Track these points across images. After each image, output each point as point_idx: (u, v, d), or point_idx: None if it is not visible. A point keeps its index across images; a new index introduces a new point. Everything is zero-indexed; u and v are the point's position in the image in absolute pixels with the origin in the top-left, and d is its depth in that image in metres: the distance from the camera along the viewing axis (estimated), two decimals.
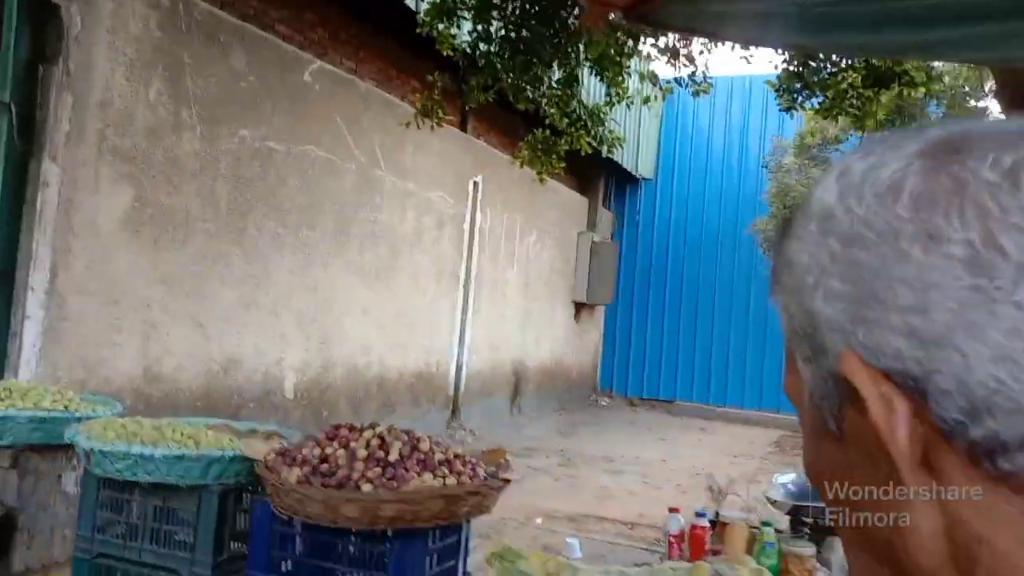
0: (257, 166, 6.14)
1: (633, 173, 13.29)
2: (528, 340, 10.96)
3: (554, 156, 5.91)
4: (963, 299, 0.39)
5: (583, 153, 6.28)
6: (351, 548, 2.45)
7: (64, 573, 3.04)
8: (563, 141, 6.01)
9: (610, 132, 6.32)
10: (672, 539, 2.42)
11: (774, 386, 12.69)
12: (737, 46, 5.11)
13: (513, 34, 5.03)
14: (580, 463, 8.40)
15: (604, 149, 6.06)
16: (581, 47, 5.15)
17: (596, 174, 12.92)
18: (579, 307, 12.70)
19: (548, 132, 5.93)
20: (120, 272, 5.10)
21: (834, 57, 4.69)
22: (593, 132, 6.04)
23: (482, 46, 5.15)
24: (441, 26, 5.05)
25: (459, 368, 9.20)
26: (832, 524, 0.49)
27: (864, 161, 0.45)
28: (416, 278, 8.29)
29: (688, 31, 2.07)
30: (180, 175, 5.49)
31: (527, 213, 10.55)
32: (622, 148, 12.23)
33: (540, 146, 5.91)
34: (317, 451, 2.44)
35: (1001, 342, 0.38)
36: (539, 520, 6.21)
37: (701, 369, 13.48)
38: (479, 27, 5.11)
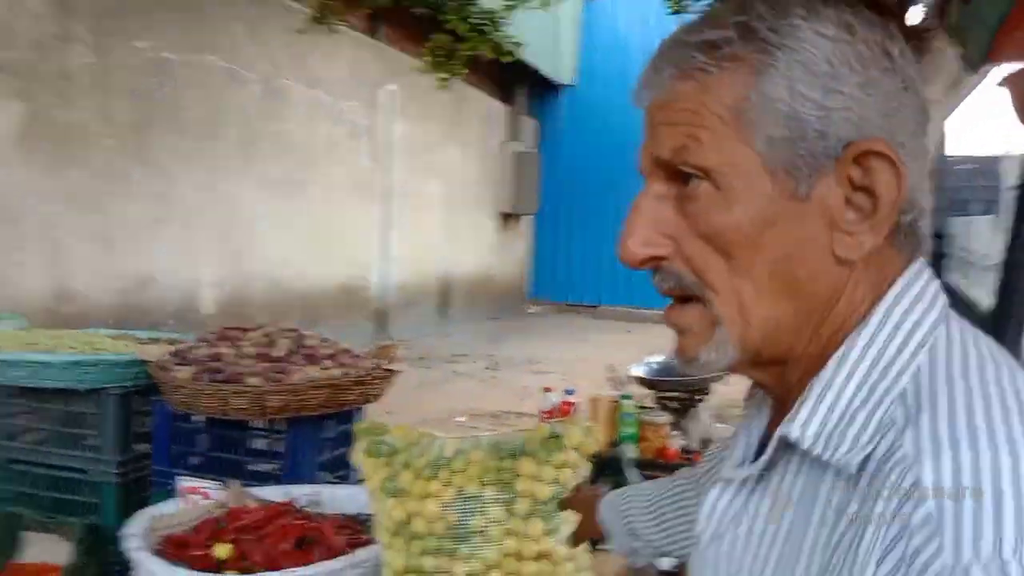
0: (154, 79, 5.99)
1: (553, 80, 13.25)
2: (454, 251, 11.07)
3: (456, 62, 5.90)
4: (920, 120, 0.66)
5: (487, 58, 6.28)
6: (249, 440, 2.58)
7: None
8: (465, 46, 5.99)
9: (510, 37, 6.30)
10: (543, 414, 2.63)
11: None
12: None
13: None
14: (505, 367, 8.67)
15: (505, 55, 6.08)
16: None
17: (517, 82, 12.85)
18: (505, 217, 12.81)
19: (451, 38, 5.90)
20: (17, 190, 5.01)
21: None
22: (491, 38, 6.02)
23: None
24: None
25: (384, 280, 9.29)
26: (745, 278, 0.65)
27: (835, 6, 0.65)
28: (331, 191, 8.27)
29: None
30: (73, 90, 5.35)
31: (446, 123, 10.51)
32: (534, 54, 12.20)
33: (442, 52, 5.89)
34: (208, 351, 2.54)
35: (924, 157, 0.66)
36: (461, 418, 6.45)
37: (625, 273, 13.79)
38: None
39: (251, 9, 6.96)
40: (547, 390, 2.77)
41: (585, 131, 13.82)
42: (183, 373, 2.45)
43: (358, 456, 1.94)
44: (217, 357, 2.51)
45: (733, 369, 0.69)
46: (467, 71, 6.06)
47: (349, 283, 8.64)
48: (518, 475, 1.81)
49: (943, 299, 0.65)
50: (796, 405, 0.64)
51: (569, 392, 2.72)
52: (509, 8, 6.03)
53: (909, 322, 0.63)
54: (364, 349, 2.70)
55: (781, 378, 0.69)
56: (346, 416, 2.71)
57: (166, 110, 6.13)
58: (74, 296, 5.46)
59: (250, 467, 2.56)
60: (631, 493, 1.30)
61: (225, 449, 2.58)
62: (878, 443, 0.58)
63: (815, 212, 0.63)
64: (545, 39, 12.69)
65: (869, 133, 0.62)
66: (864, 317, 0.64)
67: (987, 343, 0.63)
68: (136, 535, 1.69)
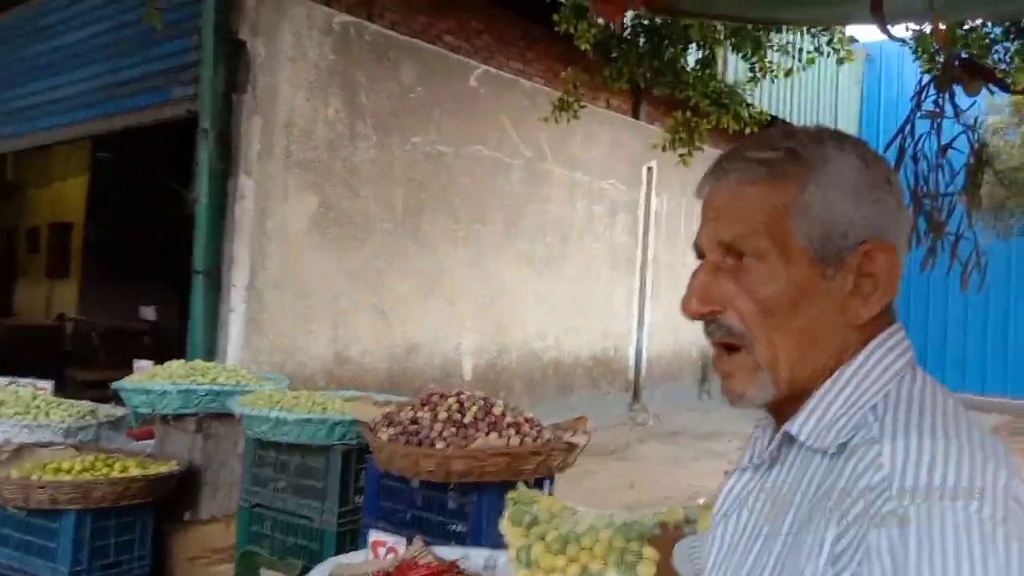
0: (429, 169, 6.70)
1: None
2: None
3: (696, 137, 5.94)
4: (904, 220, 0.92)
5: (731, 131, 6.24)
6: (446, 501, 2.79)
7: None
8: (705, 121, 6.02)
9: (752, 107, 6.22)
10: None
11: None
12: None
13: (646, 21, 5.16)
14: None
15: (750, 125, 6.00)
16: (718, 26, 5.17)
17: None
18: None
19: (689, 113, 5.97)
20: (309, 269, 5.82)
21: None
22: (733, 110, 6.00)
23: (616, 37, 5.31)
24: (578, 24, 5.29)
25: (639, 352, 9.36)
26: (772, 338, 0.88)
27: (857, 145, 0.91)
28: (588, 265, 8.56)
29: (705, 16, 2.16)
30: (359, 181, 6.15)
31: None
32: (813, 120, 11.75)
33: (682, 128, 5.97)
34: (411, 414, 2.81)
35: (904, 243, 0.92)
36: (702, 499, 6.26)
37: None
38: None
39: (519, 100, 7.56)
40: None
41: None
42: (384, 435, 2.74)
43: (504, 523, 2.07)
44: (416, 421, 2.76)
45: (769, 405, 0.92)
46: (707, 144, 6.08)
47: (603, 355, 8.82)
48: (642, 557, 1.82)
49: (911, 353, 0.89)
50: (798, 412, 0.87)
51: None
52: (753, 81, 5.99)
53: (885, 362, 0.87)
54: (546, 423, 2.82)
55: (795, 407, 0.89)
56: (537, 484, 2.84)
57: (438, 196, 6.81)
58: (352, 361, 6.17)
59: (448, 527, 2.77)
60: (703, 540, 1.33)
61: (424, 508, 2.82)
62: (852, 436, 0.82)
63: (835, 289, 0.87)
64: (825, 104, 12.25)
65: (878, 235, 0.87)
66: (854, 356, 0.87)
67: (939, 385, 0.87)
68: None
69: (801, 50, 5.89)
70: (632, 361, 9.27)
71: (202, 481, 3.72)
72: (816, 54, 5.76)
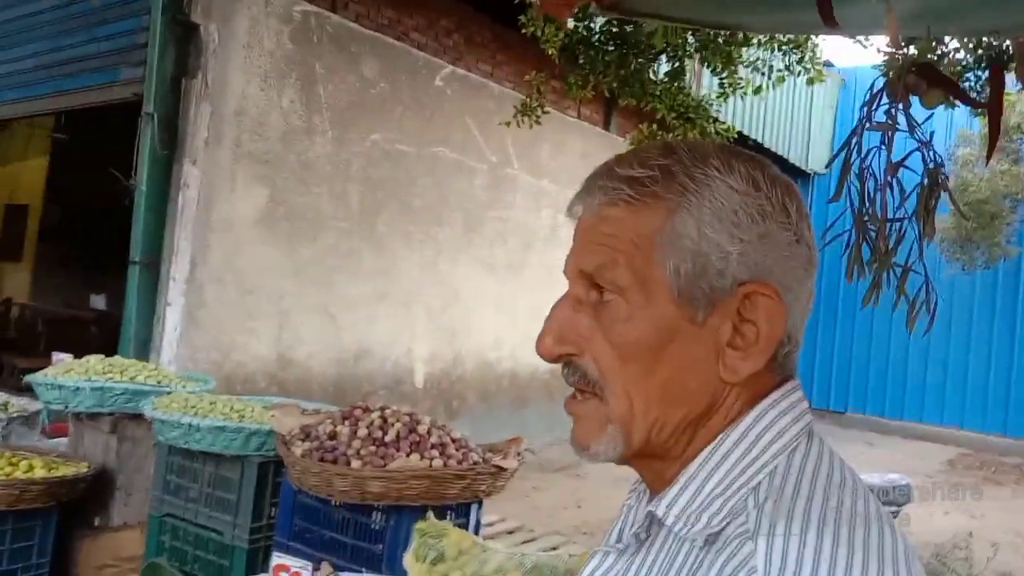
0: (388, 167, 6.50)
1: (803, 168, 12.66)
2: None
3: None
4: (804, 267, 0.76)
5: None
6: (371, 524, 2.59)
7: None
8: (671, 135, 5.90)
9: (719, 124, 6.11)
10: None
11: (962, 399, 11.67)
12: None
13: (615, 29, 5.01)
14: None
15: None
16: (689, 38, 5.05)
17: None
18: None
19: (655, 127, 5.85)
20: (254, 265, 5.59)
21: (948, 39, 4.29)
22: (700, 125, 5.88)
23: (583, 42, 5.17)
24: (545, 27, 5.13)
25: None
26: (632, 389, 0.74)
27: (746, 161, 0.77)
28: (551, 275, 8.38)
29: (657, 18, 2.02)
30: (312, 176, 5.93)
31: None
32: (784, 141, 11.72)
33: (647, 141, 5.84)
34: (329, 428, 2.61)
35: (805, 299, 0.78)
36: None
37: (878, 376, 12.60)
38: (581, 24, 5.14)
39: (486, 104, 7.39)
40: None
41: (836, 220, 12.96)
42: (298, 449, 2.53)
43: (407, 558, 1.88)
44: (334, 436, 2.56)
45: (619, 460, 0.78)
46: None
47: (560, 368, 8.64)
48: None
49: (809, 416, 0.76)
50: (668, 487, 0.75)
51: None
52: (722, 96, 5.88)
53: (774, 429, 0.73)
54: (474, 443, 2.64)
55: (659, 471, 0.78)
56: (463, 510, 2.65)
57: (396, 196, 6.60)
58: (296, 364, 5.94)
59: (365, 551, 2.57)
60: None
61: (341, 529, 2.62)
62: (727, 524, 0.69)
63: (707, 337, 0.73)
64: (798, 126, 12.21)
65: (760, 276, 0.73)
66: (735, 420, 0.74)
67: (839, 460, 0.74)
68: None
69: (772, 67, 5.79)
70: None
71: (115, 485, 3.48)
72: (787, 72, 5.66)
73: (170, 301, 5.12)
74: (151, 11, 5.13)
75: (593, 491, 6.70)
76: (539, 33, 5.21)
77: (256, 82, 5.50)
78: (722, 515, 0.70)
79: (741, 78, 5.82)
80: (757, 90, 5.79)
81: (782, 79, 5.76)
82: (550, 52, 5.26)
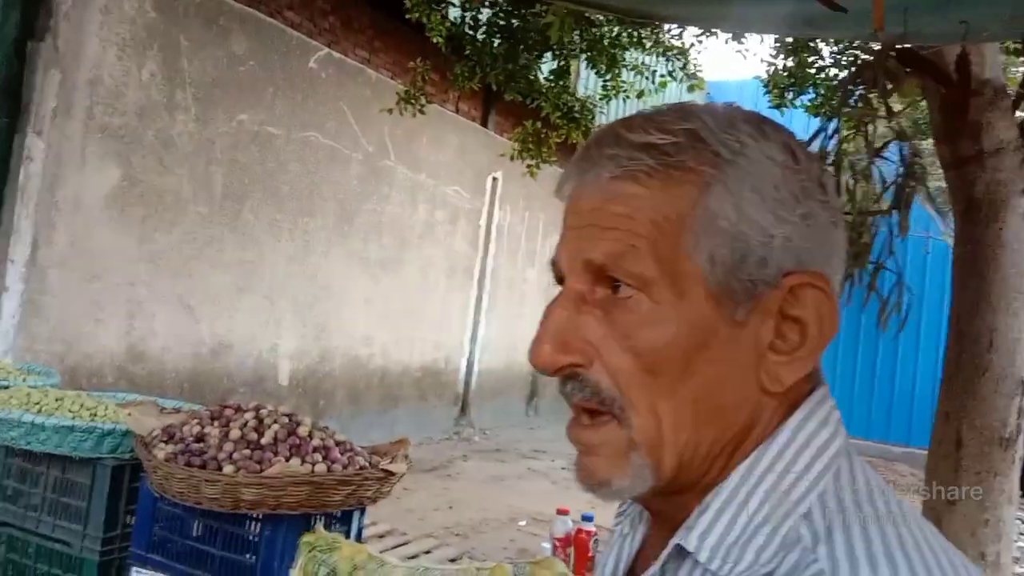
0: (255, 151, 6.14)
1: None
2: None
3: (544, 149, 5.77)
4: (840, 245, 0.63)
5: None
6: (236, 533, 2.36)
7: None
8: (555, 134, 5.88)
9: (602, 126, 6.14)
10: (557, 542, 2.27)
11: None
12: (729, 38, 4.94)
13: (502, 22, 4.92)
14: None
15: None
16: (576, 37, 5.01)
17: None
18: None
19: (539, 124, 5.81)
20: (104, 249, 5.13)
21: (824, 50, 4.48)
22: (584, 126, 5.89)
23: (470, 33, 5.05)
24: (430, 15, 4.96)
25: (470, 366, 9.11)
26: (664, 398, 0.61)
27: (777, 131, 0.65)
28: (426, 272, 8.23)
29: (634, 14, 1.94)
30: (172, 156, 5.52)
31: (551, 212, 10.41)
32: None
33: (531, 138, 5.79)
34: (196, 429, 2.36)
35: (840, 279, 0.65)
36: (523, 522, 6.07)
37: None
38: (468, 14, 5.01)
39: (362, 91, 7.13)
40: (562, 512, 2.41)
41: None
42: (160, 453, 2.27)
43: (294, 572, 1.69)
44: (201, 438, 2.32)
45: (645, 497, 0.65)
46: (556, 159, 5.94)
47: (433, 366, 8.50)
48: None
49: (843, 428, 0.65)
50: (695, 514, 0.62)
51: (587, 518, 2.35)
52: (605, 96, 5.91)
53: (815, 445, 0.62)
54: (358, 445, 2.46)
55: (681, 502, 0.64)
56: (345, 517, 2.46)
57: (264, 182, 6.25)
58: (149, 357, 5.51)
59: (234, 564, 2.34)
60: None
61: (207, 540, 2.37)
62: (781, 560, 0.57)
63: (747, 339, 0.61)
64: None
65: (808, 264, 0.61)
66: (773, 434, 0.62)
67: (873, 472, 0.63)
68: None
69: (655, 72, 5.85)
70: (463, 374, 9.00)
71: None
72: (669, 79, 5.74)
73: (7, 286, 4.61)
74: None
75: (464, 492, 6.59)
76: (424, 20, 5.04)
77: (113, 50, 5.04)
78: (772, 549, 0.58)
79: (624, 81, 5.86)
80: (640, 94, 5.84)
81: (665, 84, 5.83)
82: (436, 40, 5.09)
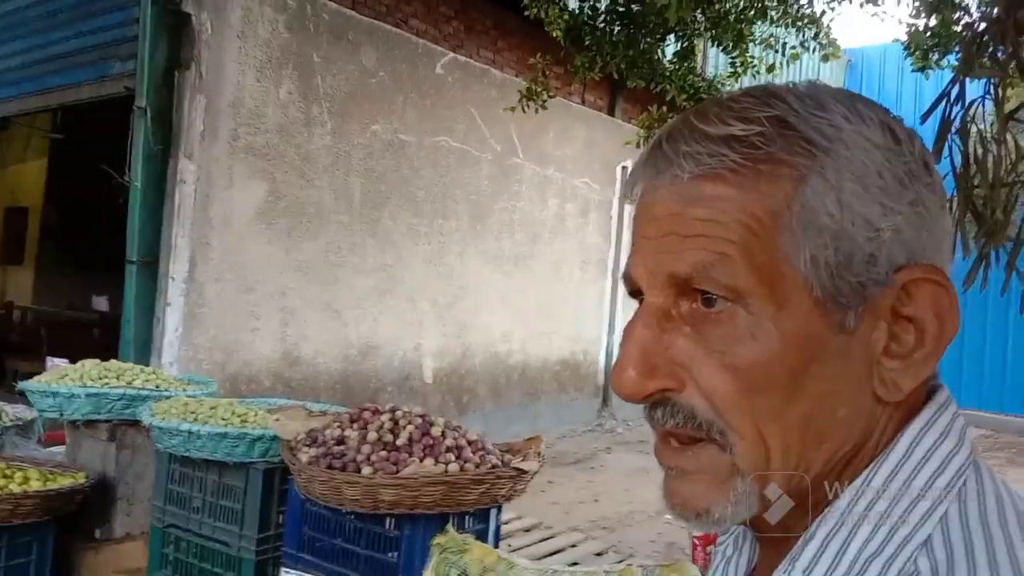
0: (389, 159, 6.33)
1: None
2: None
3: None
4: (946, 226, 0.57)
5: None
6: (384, 532, 2.43)
7: None
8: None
9: None
10: (697, 541, 2.20)
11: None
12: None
13: (621, 8, 4.82)
14: None
15: None
16: (699, 16, 4.85)
17: None
18: None
19: (664, 109, 5.67)
20: (255, 262, 5.43)
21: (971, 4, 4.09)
22: None
23: (589, 23, 4.99)
24: (548, 9, 4.94)
25: (609, 357, 9.04)
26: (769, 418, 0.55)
27: (879, 111, 0.58)
28: (559, 266, 8.23)
29: None
30: (313, 169, 5.77)
31: None
32: None
33: (656, 123, 5.66)
34: (337, 432, 2.45)
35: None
36: (669, 516, 5.96)
37: (950, 367, 12.25)
38: (586, 4, 4.95)
39: (488, 91, 7.21)
40: None
41: None
42: (304, 456, 2.38)
43: (427, 573, 1.72)
44: (342, 440, 2.41)
45: (748, 523, 0.60)
46: None
47: (572, 359, 8.49)
48: None
49: (970, 438, 0.57)
50: (800, 543, 0.56)
51: None
52: (733, 76, 5.68)
53: (936, 459, 0.55)
54: (493, 443, 2.48)
55: (786, 524, 0.58)
56: (482, 515, 2.49)
57: (399, 188, 6.44)
58: (303, 361, 5.79)
59: (378, 562, 2.41)
60: None
61: (353, 539, 2.46)
62: None
63: (858, 347, 0.55)
64: None
65: (919, 257, 0.55)
66: (886, 448, 0.56)
67: (1007, 488, 0.56)
68: None
69: (785, 44, 5.57)
70: (603, 366, 8.95)
71: (116, 495, 3.33)
72: (801, 49, 5.44)
73: (169, 301, 4.97)
74: (141, 2, 4.95)
75: (609, 484, 6.55)
76: (543, 15, 5.03)
77: (251, 73, 5.32)
78: None
79: (753, 56, 5.62)
80: (770, 68, 5.58)
81: (796, 55, 5.54)
82: (555, 34, 5.07)
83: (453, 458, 2.29)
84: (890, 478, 0.54)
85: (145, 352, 4.99)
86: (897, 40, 4.93)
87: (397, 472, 2.22)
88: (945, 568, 0.50)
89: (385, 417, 2.45)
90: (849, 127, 0.54)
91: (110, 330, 8.57)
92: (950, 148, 1.53)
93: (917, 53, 4.80)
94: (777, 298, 0.54)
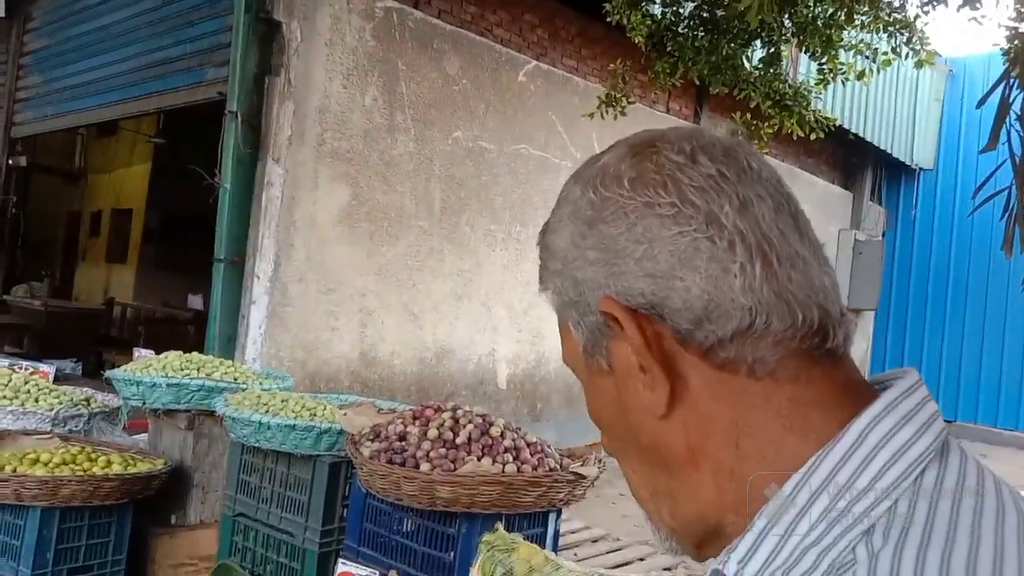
0: (470, 165, 6.40)
1: (907, 163, 11.99)
2: None
3: (756, 140, 5.48)
4: (675, 243, 0.55)
5: (795, 137, 5.77)
6: (442, 530, 2.45)
7: None
8: (767, 125, 5.56)
9: (819, 113, 5.73)
10: None
11: None
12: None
13: (706, 13, 4.75)
14: None
15: (813, 132, 5.52)
16: (785, 21, 4.73)
17: (862, 165, 11.84)
18: None
19: (748, 116, 5.53)
20: (337, 263, 5.56)
21: None
22: (798, 113, 5.51)
23: (672, 29, 4.93)
24: (631, 15, 4.90)
25: None
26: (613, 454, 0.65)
27: (593, 163, 0.64)
28: None
29: None
30: (395, 175, 5.88)
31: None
32: (887, 136, 11.11)
33: (741, 131, 5.54)
34: (400, 428, 2.48)
35: (705, 267, 0.55)
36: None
37: (988, 387, 11.80)
38: (669, 10, 4.90)
39: (570, 99, 7.21)
40: None
41: (942, 221, 12.26)
42: (366, 450, 2.42)
43: (473, 570, 1.72)
44: (403, 436, 2.44)
45: (695, 557, 0.63)
46: (768, 150, 5.64)
47: None
48: None
49: (939, 425, 0.54)
50: (740, 537, 0.55)
51: None
52: (822, 83, 5.52)
53: (889, 449, 0.52)
54: (553, 447, 2.46)
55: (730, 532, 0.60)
56: (541, 519, 2.48)
57: (479, 195, 6.49)
58: (379, 362, 5.89)
59: (436, 559, 2.43)
60: None
61: (411, 535, 2.48)
62: None
63: (622, 379, 0.60)
64: (902, 119, 11.57)
65: (606, 287, 0.59)
66: (832, 440, 0.54)
67: (991, 477, 0.54)
68: None
69: (876, 50, 5.39)
70: None
71: (192, 483, 3.45)
72: (893, 55, 5.24)
73: (254, 299, 5.13)
74: (235, 10, 5.16)
75: None
76: (624, 21, 5.00)
77: (338, 79, 5.47)
78: (822, 570, 0.50)
79: (842, 63, 5.45)
80: (860, 75, 5.39)
81: (888, 62, 5.34)
82: (637, 40, 5.04)
83: (511, 459, 2.29)
84: (837, 468, 0.52)
85: (229, 348, 5.17)
86: (997, 46, 4.69)
87: (455, 470, 2.24)
88: (877, 552, 0.48)
89: (446, 415, 2.47)
90: (569, 183, 0.67)
91: (203, 327, 8.94)
92: (1008, 134, 1.44)
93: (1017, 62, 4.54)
94: (578, 365, 0.67)
